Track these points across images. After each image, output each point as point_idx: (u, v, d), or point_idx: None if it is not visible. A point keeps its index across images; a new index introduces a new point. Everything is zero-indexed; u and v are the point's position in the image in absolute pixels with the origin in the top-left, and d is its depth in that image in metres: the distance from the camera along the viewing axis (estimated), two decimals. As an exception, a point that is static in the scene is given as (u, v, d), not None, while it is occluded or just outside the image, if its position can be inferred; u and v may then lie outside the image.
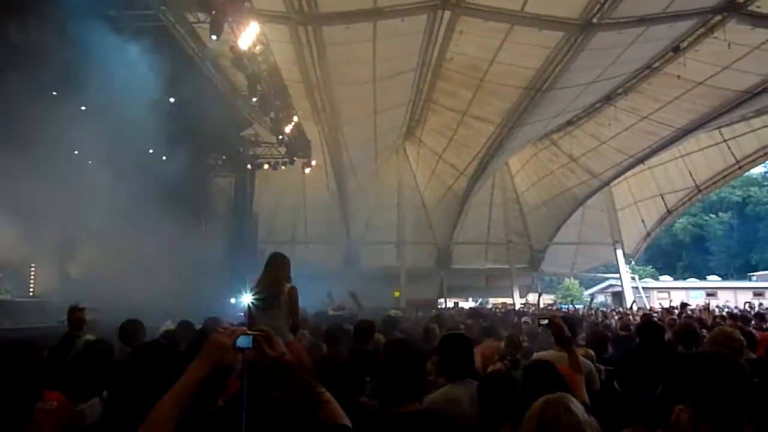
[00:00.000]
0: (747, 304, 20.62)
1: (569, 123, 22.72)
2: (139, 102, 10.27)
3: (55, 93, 10.15)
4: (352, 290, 12.30)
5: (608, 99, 19.99)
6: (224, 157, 18.00)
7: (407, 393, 2.90)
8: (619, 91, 19.25)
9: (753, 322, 9.34)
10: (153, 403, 1.81)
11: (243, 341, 1.89)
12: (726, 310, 18.85)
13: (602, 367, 4.94)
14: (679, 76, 16.57)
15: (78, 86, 9.49)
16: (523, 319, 11.53)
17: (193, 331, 5.34)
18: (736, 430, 2.01)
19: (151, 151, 12.60)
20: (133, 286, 9.73)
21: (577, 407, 1.80)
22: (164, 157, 13.11)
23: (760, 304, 25.84)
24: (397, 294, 24.78)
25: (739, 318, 9.74)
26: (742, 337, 4.20)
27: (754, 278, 42.33)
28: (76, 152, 11.68)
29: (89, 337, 4.32)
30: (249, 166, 18.55)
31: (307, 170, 20.01)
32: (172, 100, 12.55)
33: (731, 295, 35.18)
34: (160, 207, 11.06)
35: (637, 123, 20.45)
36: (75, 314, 4.16)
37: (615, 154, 23.21)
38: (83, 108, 10.32)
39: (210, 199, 17.85)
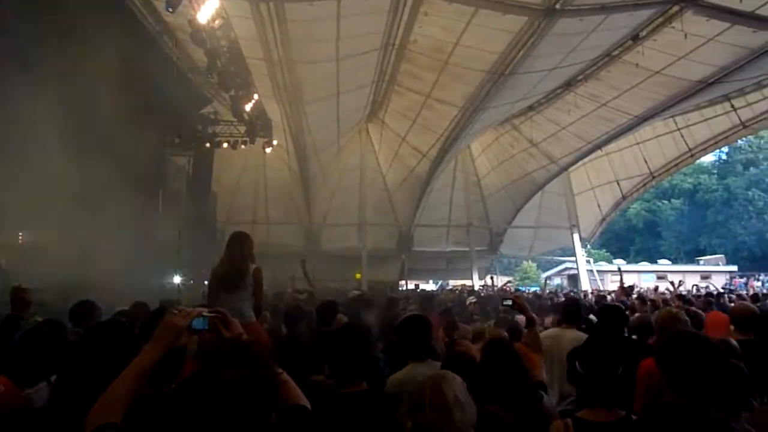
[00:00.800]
0: (695, 287, 21.39)
1: (530, 108, 22.97)
2: (92, 76, 9.86)
3: (2, 66, 9.66)
4: (303, 260, 12.05)
5: (569, 85, 20.26)
6: (182, 135, 17.56)
7: (353, 374, 2.97)
8: (580, 77, 19.52)
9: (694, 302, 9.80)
10: (104, 386, 1.75)
11: (198, 323, 1.85)
12: (672, 291, 19.53)
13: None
14: (637, 65, 16.89)
15: (28, 60, 9.06)
16: (469, 299, 11.78)
17: (148, 312, 5.23)
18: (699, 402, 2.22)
19: (105, 127, 12.17)
20: (85, 267, 9.43)
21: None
22: (119, 134, 12.68)
23: (707, 287, 26.96)
24: (358, 276, 24.83)
25: (684, 299, 10.15)
26: (687, 318, 4.39)
27: (702, 262, 44.12)
28: (24, 128, 11.17)
29: (38, 318, 4.18)
30: (208, 145, 18.18)
31: (268, 150, 19.76)
32: (127, 75, 12.10)
33: (680, 278, 36.47)
34: (114, 185, 10.72)
35: (596, 110, 20.82)
36: (18, 295, 4.00)
37: (574, 140, 23.62)
38: (33, 82, 9.85)
39: (167, 177, 17.42)
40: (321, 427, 2.69)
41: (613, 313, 5.17)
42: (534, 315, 4.57)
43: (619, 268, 16.48)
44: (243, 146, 18.75)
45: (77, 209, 10.14)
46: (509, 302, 4.48)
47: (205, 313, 1.89)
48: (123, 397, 1.71)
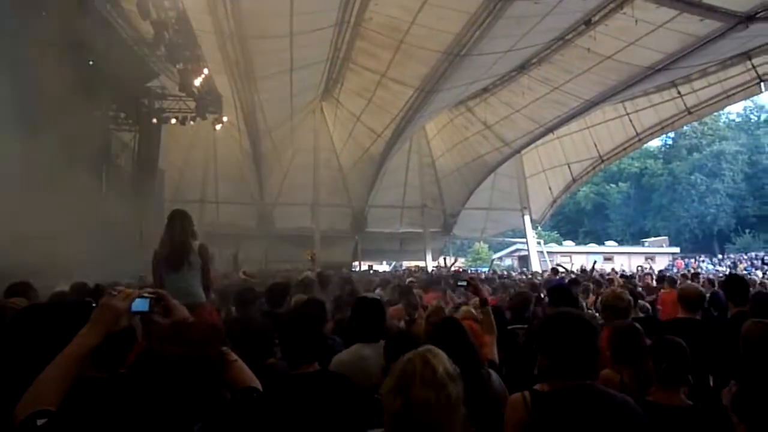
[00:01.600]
0: (639, 268, 22.32)
1: (485, 90, 23.18)
2: (32, 48, 9.37)
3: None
4: (235, 252, 11.90)
5: (523, 68, 20.51)
6: (127, 110, 16.95)
7: (304, 355, 3.00)
8: (534, 60, 19.79)
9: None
10: (38, 371, 1.69)
11: (139, 304, 1.79)
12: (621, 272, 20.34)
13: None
14: (589, 50, 17.24)
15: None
16: (408, 279, 11.98)
17: (87, 294, 5.07)
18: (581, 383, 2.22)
19: (45, 101, 11.61)
20: (24, 247, 9.04)
21: (440, 361, 1.84)
22: (59, 109, 12.13)
23: (650, 268, 28.12)
24: (308, 256, 24.73)
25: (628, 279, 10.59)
26: (630, 297, 4.56)
27: (647, 244, 45.94)
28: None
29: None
30: (154, 120, 17.64)
31: (218, 127, 19.34)
32: (68, 46, 11.56)
33: (626, 259, 37.95)
34: (54, 161, 10.28)
35: (549, 93, 21.18)
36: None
37: (527, 122, 24.00)
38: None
39: (111, 154, 16.81)
40: (273, 408, 2.70)
41: (563, 295, 5.33)
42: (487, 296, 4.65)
43: (594, 263, 17.04)
44: (192, 122, 18.28)
45: (15, 187, 9.69)
46: (464, 283, 4.54)
47: (145, 294, 1.83)
48: (57, 383, 1.64)
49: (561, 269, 15.71)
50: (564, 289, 5.76)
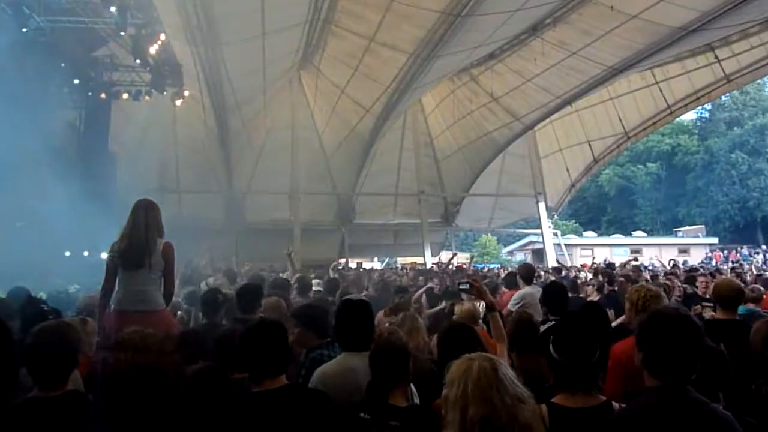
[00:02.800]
0: (671, 262, 22.41)
1: (491, 56, 23.15)
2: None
3: None
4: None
5: (535, 30, 20.49)
6: (71, 83, 16.80)
7: (266, 367, 3.07)
8: (548, 21, 19.77)
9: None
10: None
11: None
12: (651, 267, 20.50)
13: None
14: (612, 7, 17.20)
15: None
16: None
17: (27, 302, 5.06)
18: (681, 387, 2.40)
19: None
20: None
21: (507, 373, 1.98)
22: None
23: (685, 262, 28.29)
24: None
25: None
26: (665, 295, 4.61)
27: (680, 234, 46.24)
28: None
29: None
30: (103, 95, 17.46)
31: (179, 102, 19.21)
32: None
33: (656, 252, 38.15)
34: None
35: (566, 59, 21.17)
36: None
37: (540, 94, 24.00)
38: None
39: (53, 134, 16.66)
40: (232, 429, 2.73)
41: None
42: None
43: (634, 259, 17.20)
44: (147, 97, 18.14)
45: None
46: (465, 286, 4.53)
47: None
48: None
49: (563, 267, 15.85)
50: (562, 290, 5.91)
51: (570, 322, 2.97)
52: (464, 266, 23.83)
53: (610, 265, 16.87)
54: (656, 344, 2.46)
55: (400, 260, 35.08)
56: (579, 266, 18.77)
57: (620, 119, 27.05)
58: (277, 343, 3.13)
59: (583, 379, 2.73)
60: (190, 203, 25.17)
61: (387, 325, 5.11)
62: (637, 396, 2.53)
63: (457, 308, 5.88)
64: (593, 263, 20.82)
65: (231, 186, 26.53)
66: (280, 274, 10.95)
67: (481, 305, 5.48)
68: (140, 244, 5.14)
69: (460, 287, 4.67)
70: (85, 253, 13.49)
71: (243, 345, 3.13)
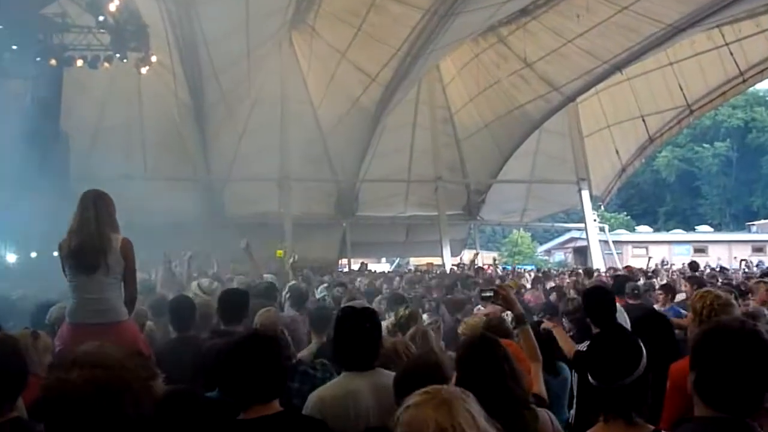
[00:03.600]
0: (743, 262, 22.33)
1: (523, 13, 23.07)
2: None
3: None
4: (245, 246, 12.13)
5: (577, -20, 20.43)
6: (15, 48, 16.84)
7: (259, 391, 3.08)
8: (593, -33, 19.69)
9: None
10: None
11: None
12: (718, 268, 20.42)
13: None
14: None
15: None
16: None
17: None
18: (739, 421, 2.34)
19: None
20: None
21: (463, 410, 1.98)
22: None
23: (759, 263, 28.11)
24: (279, 254, 24.72)
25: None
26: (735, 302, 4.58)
27: (754, 229, 45.97)
28: None
29: None
30: (53, 62, 17.49)
31: (145, 71, 19.20)
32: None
33: (725, 250, 38.04)
34: None
35: (614, 16, 21.08)
36: None
37: (583, 58, 23.91)
38: None
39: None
40: None
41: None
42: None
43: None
44: (107, 65, 18.13)
45: None
46: (489, 293, 4.53)
47: None
48: None
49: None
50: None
51: (608, 335, 2.98)
52: (488, 268, 23.79)
53: (692, 265, 16.74)
54: (711, 365, 2.40)
55: (414, 261, 35.09)
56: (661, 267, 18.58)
57: (681, 89, 26.91)
58: (273, 362, 3.13)
59: (617, 404, 2.71)
60: (159, 193, 25.18)
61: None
62: (683, 425, 2.50)
63: (463, 324, 5.85)
64: (649, 265, 20.78)
65: (208, 172, 26.57)
66: (265, 277, 10.94)
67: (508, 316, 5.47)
68: (92, 242, 5.11)
69: (483, 295, 4.66)
70: (33, 254, 13.54)
71: (230, 362, 3.13)
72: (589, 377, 2.76)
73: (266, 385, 3.10)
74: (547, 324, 5.97)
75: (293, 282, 10.08)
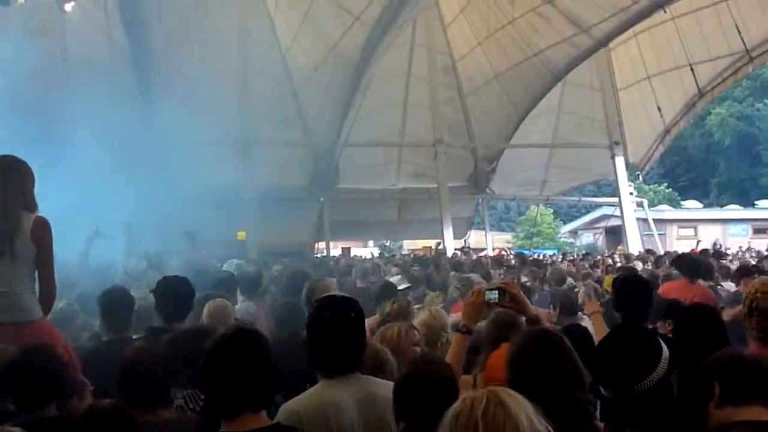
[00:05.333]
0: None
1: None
2: None
3: None
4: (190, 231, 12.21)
5: None
6: None
7: (238, 399, 3.12)
8: None
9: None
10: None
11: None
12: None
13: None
14: None
15: None
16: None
17: None
18: None
19: None
20: None
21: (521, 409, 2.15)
22: None
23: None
24: (241, 236, 24.71)
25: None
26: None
27: (829, 203, 46.16)
28: None
29: None
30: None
31: (69, 7, 19.09)
32: None
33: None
34: None
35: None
36: None
37: (617, -10, 23.91)
38: None
39: None
40: None
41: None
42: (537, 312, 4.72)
43: None
44: (22, 1, 18.02)
45: None
46: (494, 295, 4.52)
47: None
48: None
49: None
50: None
51: (618, 334, 3.06)
52: (503, 253, 23.81)
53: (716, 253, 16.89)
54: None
55: (408, 244, 35.15)
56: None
57: (739, 31, 26.83)
58: (266, 362, 3.20)
59: (629, 416, 2.78)
60: (90, 159, 25.07)
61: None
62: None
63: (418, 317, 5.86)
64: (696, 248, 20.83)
65: (150, 133, 26.44)
66: (223, 266, 10.99)
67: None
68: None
69: (489, 298, 4.63)
70: None
71: (216, 363, 3.17)
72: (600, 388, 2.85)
73: (258, 391, 3.15)
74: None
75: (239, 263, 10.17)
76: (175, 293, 5.71)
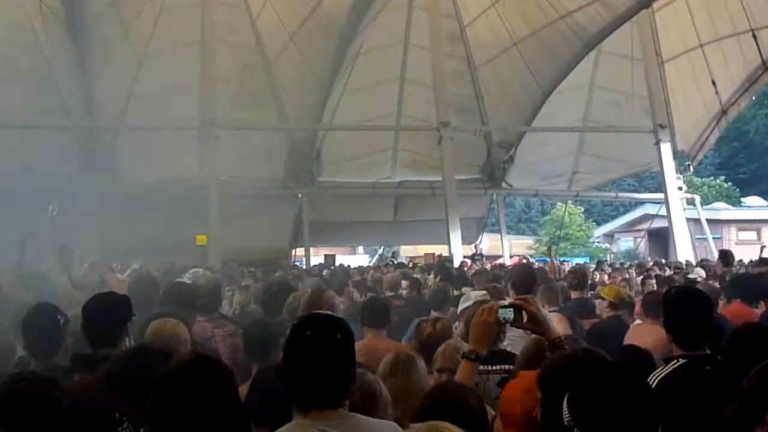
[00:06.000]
0: None
1: None
2: None
3: None
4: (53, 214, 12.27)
5: None
6: None
7: None
8: None
9: None
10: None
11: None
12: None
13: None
14: None
15: None
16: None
17: None
18: None
19: None
20: None
21: None
22: None
23: None
24: (201, 240, 24.73)
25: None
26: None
27: None
28: None
29: None
30: None
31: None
32: None
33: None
34: None
35: None
36: None
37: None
38: None
39: None
40: None
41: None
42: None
43: None
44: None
45: None
46: (509, 314, 4.53)
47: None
48: None
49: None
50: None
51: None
52: (524, 259, 23.79)
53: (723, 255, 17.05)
54: None
55: (406, 250, 35.18)
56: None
57: (813, -11, 27.00)
58: (225, 399, 3.21)
59: None
60: (21, 147, 25.05)
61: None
62: None
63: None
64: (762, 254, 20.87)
65: (89, 115, 26.46)
66: (184, 276, 11.00)
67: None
68: None
69: (502, 317, 4.64)
70: None
71: (162, 401, 3.18)
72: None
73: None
74: None
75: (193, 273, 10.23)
76: (110, 312, 5.70)
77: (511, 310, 4.44)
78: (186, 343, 5.65)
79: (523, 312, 4.43)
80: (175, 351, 5.15)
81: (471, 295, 7.68)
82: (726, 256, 17.00)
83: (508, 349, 6.09)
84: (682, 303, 5.72)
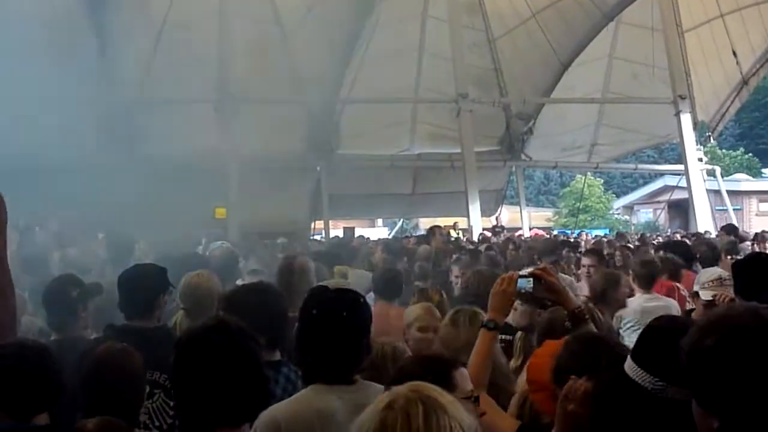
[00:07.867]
0: None
1: None
2: None
3: None
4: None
5: None
6: None
7: (226, 413, 3.06)
8: None
9: None
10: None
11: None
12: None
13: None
14: None
15: None
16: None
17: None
18: None
19: None
20: None
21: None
22: None
23: None
24: (221, 213, 24.77)
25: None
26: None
27: None
28: None
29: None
30: None
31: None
32: None
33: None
34: None
35: None
36: None
37: None
38: None
39: None
40: None
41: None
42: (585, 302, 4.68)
43: None
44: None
45: None
46: (528, 284, 4.47)
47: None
48: None
49: None
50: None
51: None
52: (544, 234, 23.78)
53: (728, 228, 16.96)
54: None
55: (424, 223, 35.15)
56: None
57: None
58: (252, 366, 3.15)
59: None
60: (25, 119, 25.04)
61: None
62: None
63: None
64: None
65: (110, 87, 26.47)
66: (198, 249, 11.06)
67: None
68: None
69: (521, 287, 4.58)
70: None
71: (182, 367, 3.15)
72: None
73: (242, 401, 3.10)
74: None
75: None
76: (147, 282, 5.68)
77: (531, 279, 4.39)
78: (214, 300, 5.67)
79: (543, 281, 4.39)
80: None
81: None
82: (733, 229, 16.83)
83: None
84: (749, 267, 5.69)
